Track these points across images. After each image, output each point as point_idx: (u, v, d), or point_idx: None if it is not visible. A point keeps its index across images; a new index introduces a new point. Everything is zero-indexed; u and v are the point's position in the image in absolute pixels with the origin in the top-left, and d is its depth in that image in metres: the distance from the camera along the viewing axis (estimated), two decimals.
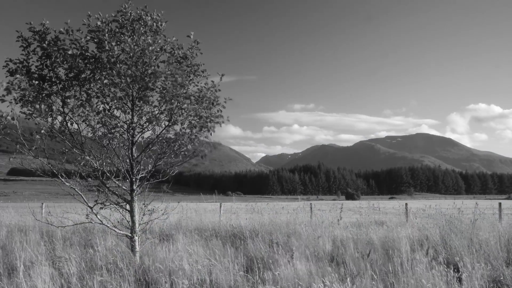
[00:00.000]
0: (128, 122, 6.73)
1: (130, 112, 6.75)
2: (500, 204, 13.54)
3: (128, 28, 6.37)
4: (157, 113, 6.67)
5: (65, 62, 6.20)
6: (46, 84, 6.29)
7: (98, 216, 6.63)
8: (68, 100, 6.44)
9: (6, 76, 5.97)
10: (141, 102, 6.71)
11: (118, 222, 7.06)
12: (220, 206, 14.50)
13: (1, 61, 6.17)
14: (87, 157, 6.58)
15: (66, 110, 6.46)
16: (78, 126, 6.56)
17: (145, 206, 7.09)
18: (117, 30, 6.31)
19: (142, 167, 6.96)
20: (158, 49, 6.47)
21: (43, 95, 6.22)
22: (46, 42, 6.10)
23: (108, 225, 6.75)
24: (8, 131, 5.96)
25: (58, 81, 6.35)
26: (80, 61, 6.12)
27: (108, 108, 6.65)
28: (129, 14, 6.36)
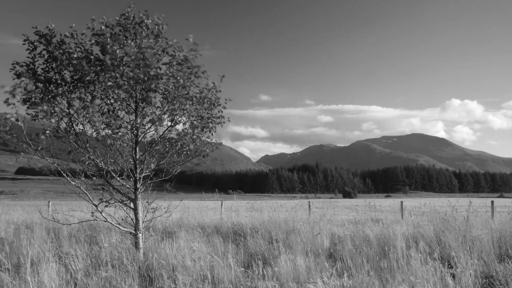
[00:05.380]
0: (131, 122, 6.88)
1: (134, 113, 6.90)
2: (492, 202, 13.68)
3: (131, 32, 6.51)
4: (160, 114, 6.82)
5: (70, 64, 6.33)
6: (51, 86, 6.42)
7: (103, 214, 6.78)
8: (73, 102, 6.57)
9: (13, 79, 6.09)
10: (144, 103, 6.86)
11: (123, 219, 7.19)
12: (221, 204, 14.68)
13: (8, 62, 6.28)
14: (92, 157, 6.73)
15: (71, 111, 6.60)
16: (83, 127, 6.70)
17: (148, 204, 7.20)
18: (120, 33, 6.45)
19: (145, 166, 7.11)
20: (160, 52, 6.62)
21: (49, 96, 6.35)
22: (52, 45, 6.23)
23: (113, 223, 6.90)
24: (14, 133, 6.09)
25: (63, 83, 6.48)
26: (84, 64, 6.25)
27: (112, 109, 6.79)
28: (131, 18, 6.50)
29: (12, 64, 6.15)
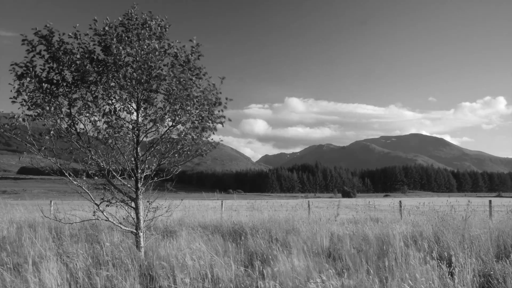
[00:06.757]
0: (133, 122, 6.92)
1: (135, 113, 6.95)
2: (490, 201, 13.76)
3: (134, 33, 6.54)
4: (161, 114, 6.87)
5: (72, 65, 6.35)
6: (53, 86, 6.44)
7: (105, 213, 6.83)
8: (75, 102, 6.61)
9: (14, 81, 6.10)
10: (146, 103, 6.92)
11: (124, 219, 7.23)
12: (222, 204, 14.76)
13: (8, 63, 6.26)
14: (94, 157, 6.78)
15: (73, 112, 6.64)
16: (84, 127, 6.74)
17: (149, 204, 7.24)
18: (123, 34, 6.48)
19: (146, 166, 7.16)
20: (162, 53, 6.66)
21: (51, 97, 6.37)
22: (53, 47, 6.22)
23: (114, 222, 6.95)
24: (18, 132, 6.14)
25: (64, 84, 6.51)
26: (88, 64, 6.29)
27: (113, 109, 6.83)
28: (134, 19, 6.53)
29: (11, 65, 6.13)
